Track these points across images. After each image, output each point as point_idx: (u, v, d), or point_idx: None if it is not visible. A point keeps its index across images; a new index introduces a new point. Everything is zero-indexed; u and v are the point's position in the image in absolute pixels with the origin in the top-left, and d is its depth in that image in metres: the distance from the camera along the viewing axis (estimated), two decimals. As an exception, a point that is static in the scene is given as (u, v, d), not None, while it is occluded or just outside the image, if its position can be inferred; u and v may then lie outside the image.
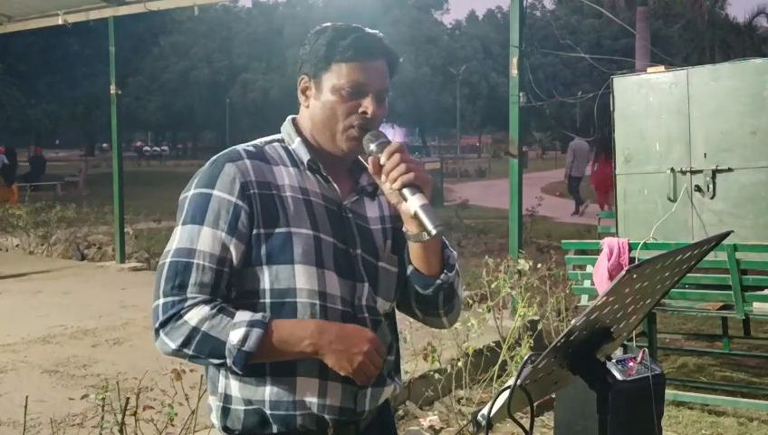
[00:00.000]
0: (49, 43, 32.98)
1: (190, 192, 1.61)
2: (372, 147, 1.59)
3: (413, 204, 1.52)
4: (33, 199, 13.94)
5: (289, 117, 1.74)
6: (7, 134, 42.05)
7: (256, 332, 1.50)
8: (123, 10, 9.00)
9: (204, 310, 1.52)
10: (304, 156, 1.66)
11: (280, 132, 1.73)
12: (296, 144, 1.67)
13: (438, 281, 1.65)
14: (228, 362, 1.51)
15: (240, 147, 1.66)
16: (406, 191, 1.53)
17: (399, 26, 46.12)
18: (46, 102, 37.71)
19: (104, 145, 54.39)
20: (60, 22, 9.45)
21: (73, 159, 43.89)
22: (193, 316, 1.52)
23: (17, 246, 11.39)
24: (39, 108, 37.37)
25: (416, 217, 1.53)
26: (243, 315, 1.53)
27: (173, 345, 1.53)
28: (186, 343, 1.52)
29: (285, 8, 50.15)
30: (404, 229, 1.63)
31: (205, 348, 1.51)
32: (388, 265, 1.71)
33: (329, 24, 1.68)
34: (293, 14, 47.65)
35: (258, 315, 1.53)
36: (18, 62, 34.58)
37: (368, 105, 1.61)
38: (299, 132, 1.69)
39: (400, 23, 46.73)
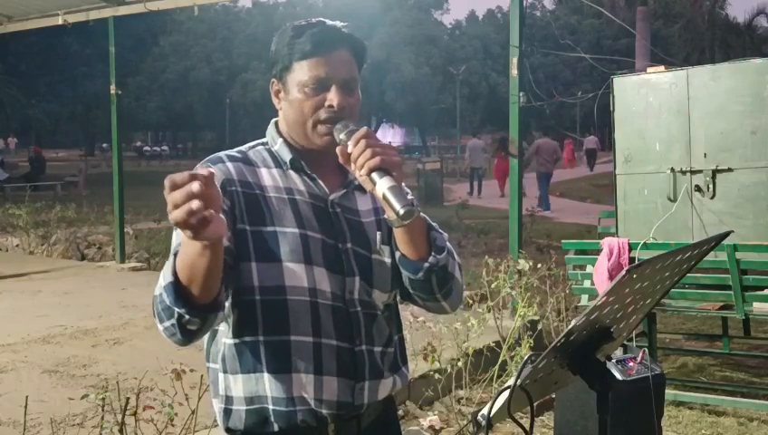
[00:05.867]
0: (49, 43, 32.98)
1: None
2: (341, 136, 1.57)
3: (381, 187, 1.48)
4: (33, 199, 13.94)
5: (273, 120, 1.77)
6: (7, 134, 42.05)
7: (170, 261, 1.43)
8: (123, 10, 8.99)
9: None
10: (287, 156, 1.68)
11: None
12: (278, 145, 1.71)
13: (426, 264, 1.62)
14: (171, 305, 1.40)
15: (222, 153, 1.69)
16: (374, 175, 1.50)
17: (399, 26, 46.15)
18: (46, 102, 37.69)
19: (104, 145, 54.23)
20: (60, 22, 9.45)
21: (73, 159, 43.78)
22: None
23: (17, 246, 11.40)
24: (39, 108, 37.36)
25: (384, 199, 1.49)
26: None
27: (159, 326, 1.48)
28: (160, 316, 1.46)
29: (285, 8, 50.05)
30: (385, 216, 1.61)
31: (165, 307, 1.43)
32: (381, 257, 1.70)
33: (289, 23, 1.69)
34: (293, 14, 47.53)
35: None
36: (18, 62, 34.63)
37: (332, 98, 1.61)
38: (280, 134, 1.72)
39: (400, 23, 46.74)
